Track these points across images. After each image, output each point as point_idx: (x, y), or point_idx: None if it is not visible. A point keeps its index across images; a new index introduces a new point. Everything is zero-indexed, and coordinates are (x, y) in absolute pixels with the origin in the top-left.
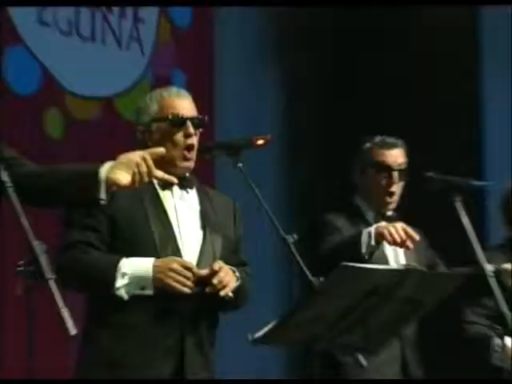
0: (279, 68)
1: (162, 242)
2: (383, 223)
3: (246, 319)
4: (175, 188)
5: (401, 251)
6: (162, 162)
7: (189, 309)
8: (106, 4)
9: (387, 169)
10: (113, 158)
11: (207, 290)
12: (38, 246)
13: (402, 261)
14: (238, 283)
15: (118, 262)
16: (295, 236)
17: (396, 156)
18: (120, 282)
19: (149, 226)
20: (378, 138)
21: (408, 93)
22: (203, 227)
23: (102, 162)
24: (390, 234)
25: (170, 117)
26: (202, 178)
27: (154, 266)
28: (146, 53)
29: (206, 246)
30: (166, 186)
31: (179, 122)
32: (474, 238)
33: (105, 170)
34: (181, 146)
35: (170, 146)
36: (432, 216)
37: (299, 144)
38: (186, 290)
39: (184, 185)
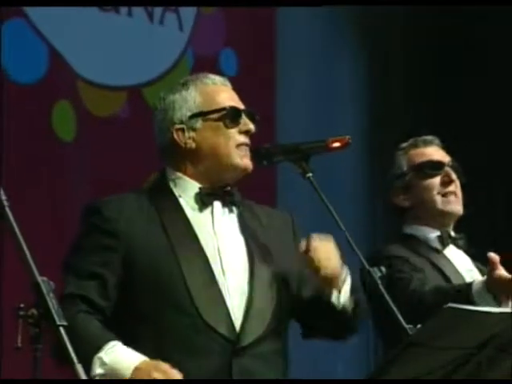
0: (363, 51)
1: (195, 282)
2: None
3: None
4: (216, 205)
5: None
6: (215, 168)
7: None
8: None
9: (437, 166)
10: (143, 166)
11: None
12: (45, 284)
13: None
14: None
15: (103, 343)
16: (383, 269)
17: (438, 152)
18: (97, 369)
19: (176, 261)
20: (406, 143)
21: None
22: (251, 257)
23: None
24: None
25: (227, 108)
26: (258, 194)
27: (136, 369)
28: (185, 28)
29: (258, 284)
30: (206, 202)
31: (236, 116)
32: None
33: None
34: (234, 145)
35: (225, 144)
36: None
37: (386, 148)
38: None
39: (227, 201)
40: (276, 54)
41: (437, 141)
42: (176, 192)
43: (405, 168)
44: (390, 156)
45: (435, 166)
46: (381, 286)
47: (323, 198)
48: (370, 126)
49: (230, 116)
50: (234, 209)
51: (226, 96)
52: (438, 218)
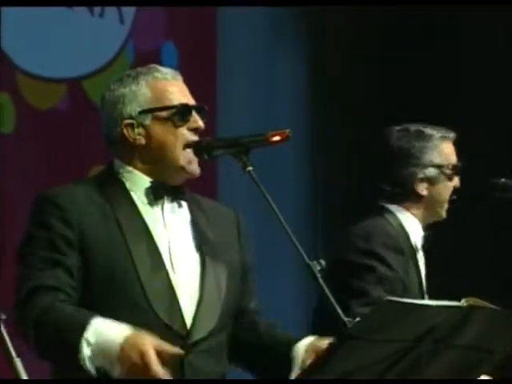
0: (303, 46)
1: (149, 278)
2: None
3: None
4: (166, 200)
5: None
6: (163, 168)
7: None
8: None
9: (457, 171)
10: (82, 158)
11: None
12: None
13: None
14: None
15: (86, 323)
16: (323, 262)
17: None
18: (85, 352)
19: (130, 256)
20: (431, 128)
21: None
22: (200, 252)
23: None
24: None
25: (178, 105)
26: (200, 187)
27: (122, 347)
28: (125, 20)
29: (208, 279)
30: (157, 197)
31: (186, 114)
32: None
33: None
34: (182, 145)
35: (173, 144)
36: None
37: (328, 141)
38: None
39: (177, 195)
40: (217, 48)
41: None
42: (127, 186)
43: (442, 161)
44: (331, 151)
45: (455, 171)
46: (320, 280)
47: (263, 191)
48: (310, 122)
49: (180, 114)
50: (183, 204)
51: (177, 92)
52: (433, 219)
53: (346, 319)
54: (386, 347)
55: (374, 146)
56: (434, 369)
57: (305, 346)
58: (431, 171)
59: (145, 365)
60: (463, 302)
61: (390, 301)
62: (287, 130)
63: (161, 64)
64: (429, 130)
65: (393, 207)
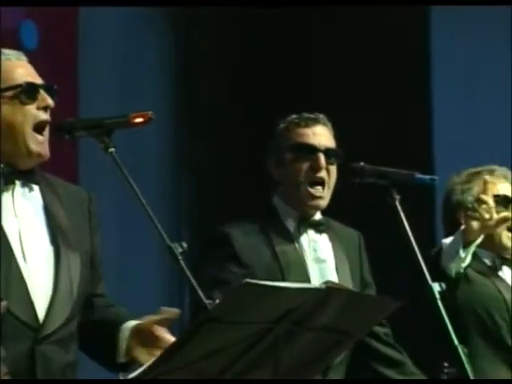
0: (169, 23)
1: (0, 277)
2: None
3: None
4: (17, 185)
5: (331, 266)
6: (13, 152)
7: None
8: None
9: (309, 150)
10: None
11: None
12: None
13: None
14: None
15: None
16: (184, 245)
17: (319, 134)
18: None
19: None
20: (293, 116)
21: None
22: (53, 239)
23: None
24: None
25: (23, 84)
26: (60, 168)
27: None
28: None
29: (62, 269)
30: (7, 182)
31: (33, 92)
32: (416, 248)
33: None
34: (32, 125)
35: (22, 123)
36: (365, 220)
37: (195, 124)
38: None
39: (28, 179)
40: (78, 28)
41: (323, 120)
42: None
43: (281, 143)
44: (196, 135)
45: (306, 150)
46: (181, 262)
47: (125, 173)
48: (175, 104)
49: (26, 92)
50: (35, 187)
51: (22, 71)
52: (299, 206)
53: (206, 301)
54: (244, 329)
55: (237, 132)
56: (292, 350)
57: (129, 331)
58: (273, 154)
59: None
60: (321, 284)
61: (249, 283)
62: (149, 112)
63: (20, 42)
64: (290, 116)
65: (280, 206)
